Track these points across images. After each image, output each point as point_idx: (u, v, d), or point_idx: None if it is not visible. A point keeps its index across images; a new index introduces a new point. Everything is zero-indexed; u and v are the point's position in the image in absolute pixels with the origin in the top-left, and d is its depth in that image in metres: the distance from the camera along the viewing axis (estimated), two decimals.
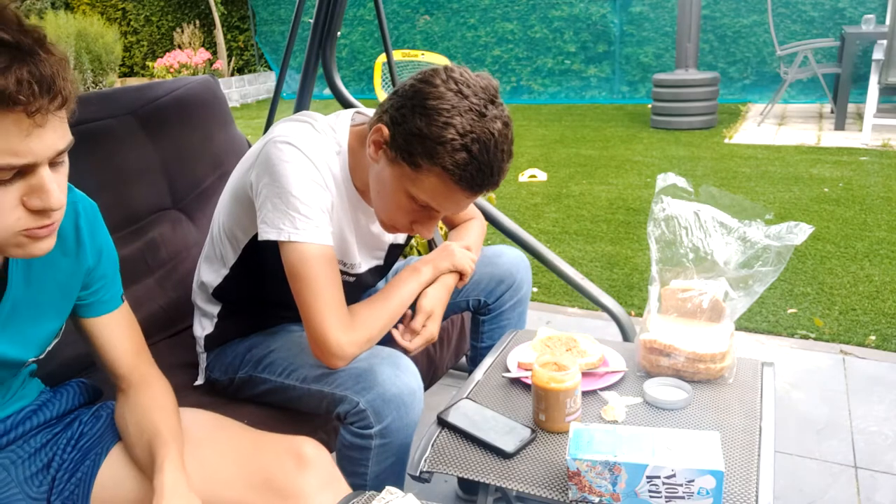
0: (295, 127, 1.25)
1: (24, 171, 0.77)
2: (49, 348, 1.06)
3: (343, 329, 1.20)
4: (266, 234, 1.20)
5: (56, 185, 0.79)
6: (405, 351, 1.34)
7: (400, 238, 1.50)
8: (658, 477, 0.95)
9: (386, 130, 1.18)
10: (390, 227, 1.30)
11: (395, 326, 1.37)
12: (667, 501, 0.96)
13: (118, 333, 1.10)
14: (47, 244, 0.84)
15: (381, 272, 1.51)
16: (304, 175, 1.20)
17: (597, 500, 0.99)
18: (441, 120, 1.11)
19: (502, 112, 1.17)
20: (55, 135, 0.78)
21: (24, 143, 0.74)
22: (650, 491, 0.96)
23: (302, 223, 1.18)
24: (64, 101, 0.77)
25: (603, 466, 0.97)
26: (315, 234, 1.20)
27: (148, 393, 1.08)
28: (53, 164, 0.80)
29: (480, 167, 1.14)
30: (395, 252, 1.50)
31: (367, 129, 1.26)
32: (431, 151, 1.13)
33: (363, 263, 1.43)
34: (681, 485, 0.94)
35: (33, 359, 1.03)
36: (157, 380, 1.12)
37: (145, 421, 1.03)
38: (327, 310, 1.20)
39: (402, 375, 1.24)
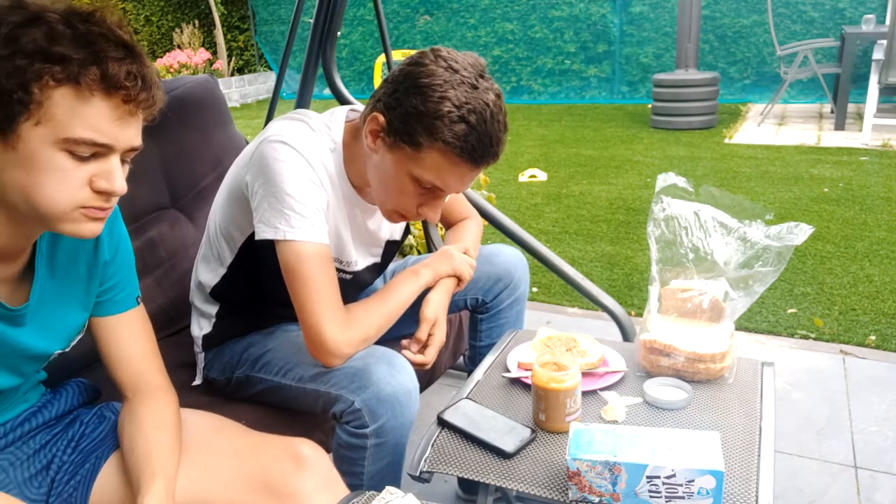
0: (289, 125, 1.25)
1: (99, 154, 0.85)
2: (74, 342, 1.07)
3: (339, 327, 1.20)
4: (262, 233, 1.21)
5: (121, 174, 0.88)
6: (423, 365, 1.34)
7: (396, 234, 1.50)
8: (658, 477, 0.95)
9: (382, 118, 1.19)
10: (397, 216, 1.30)
11: (399, 339, 1.38)
12: (667, 501, 0.96)
13: (127, 336, 1.10)
14: (97, 227, 0.90)
15: (378, 269, 1.51)
16: (298, 174, 1.20)
17: (597, 500, 0.99)
18: (436, 95, 1.12)
19: (493, 85, 1.18)
20: (135, 131, 0.88)
21: (112, 126, 0.84)
22: (650, 491, 0.96)
23: (297, 222, 1.19)
24: (153, 104, 0.87)
25: (603, 466, 0.97)
26: (310, 232, 1.20)
27: (149, 406, 1.07)
28: (122, 160, 0.89)
29: (480, 137, 1.14)
30: (391, 249, 1.50)
31: (360, 122, 1.26)
32: (430, 127, 1.13)
33: (360, 261, 1.43)
34: (681, 485, 0.94)
35: (59, 351, 1.05)
36: (162, 391, 1.10)
37: (140, 439, 1.02)
38: (323, 308, 1.20)
39: (398, 375, 1.24)
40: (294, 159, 1.20)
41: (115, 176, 0.87)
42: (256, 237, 1.23)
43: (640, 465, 0.95)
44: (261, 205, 1.21)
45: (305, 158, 1.21)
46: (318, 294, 1.20)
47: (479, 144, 1.15)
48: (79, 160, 0.84)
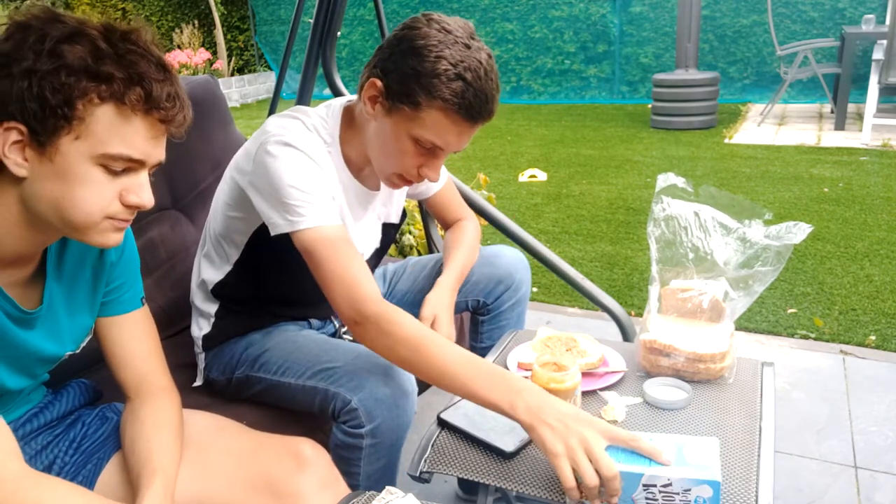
0: (286, 123, 1.27)
1: (130, 169, 0.89)
2: (83, 343, 1.08)
3: (377, 292, 1.16)
4: (275, 229, 1.21)
5: (149, 187, 0.92)
6: None
7: (393, 217, 1.52)
8: (654, 485, 0.94)
9: (379, 82, 1.21)
10: (398, 180, 1.30)
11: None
12: None
13: (131, 336, 1.11)
14: (121, 236, 0.93)
15: (379, 255, 1.53)
16: (298, 166, 1.21)
17: None
18: (432, 55, 1.15)
19: (483, 45, 1.21)
20: (163, 148, 0.92)
21: (146, 143, 0.88)
22: (647, 499, 0.95)
23: (305, 209, 1.19)
24: (184, 122, 0.91)
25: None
26: (320, 216, 1.19)
27: (151, 406, 1.07)
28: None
29: (476, 93, 1.17)
30: (389, 232, 1.53)
31: (357, 92, 1.28)
32: (429, 86, 1.16)
33: (365, 253, 1.45)
34: (677, 493, 0.94)
35: (70, 352, 1.06)
36: (165, 392, 1.10)
37: (140, 440, 1.02)
38: (354, 287, 1.16)
39: (396, 377, 1.24)
40: (292, 155, 1.22)
41: (145, 190, 0.90)
42: (272, 234, 1.23)
43: (636, 473, 0.95)
44: (267, 203, 1.22)
45: (304, 153, 1.23)
46: (342, 275, 1.16)
47: (476, 100, 1.17)
48: (111, 174, 0.87)
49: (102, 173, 0.86)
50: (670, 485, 0.93)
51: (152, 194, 0.92)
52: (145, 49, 0.86)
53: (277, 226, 1.21)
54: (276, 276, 1.33)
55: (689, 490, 0.93)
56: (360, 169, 1.36)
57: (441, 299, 1.44)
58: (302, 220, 1.19)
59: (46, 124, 0.82)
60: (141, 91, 0.84)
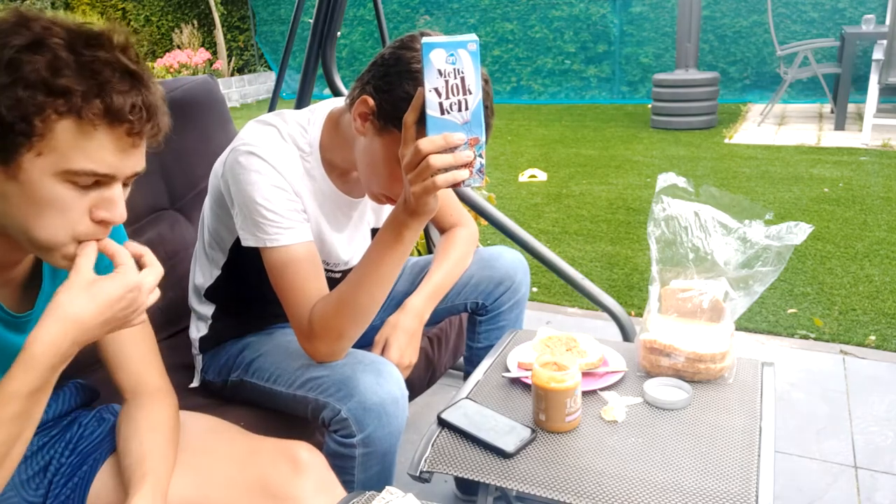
0: (260, 132, 1.26)
1: (101, 183, 0.84)
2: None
3: (315, 334, 1.24)
4: (245, 241, 1.25)
5: (122, 202, 0.87)
6: None
7: (383, 223, 1.50)
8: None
9: (371, 101, 1.17)
10: (383, 199, 1.29)
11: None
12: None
13: (127, 337, 1.09)
14: None
15: None
16: (267, 182, 1.21)
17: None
18: None
19: (482, 69, 1.18)
20: (137, 158, 0.86)
21: (113, 157, 0.82)
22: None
23: (272, 228, 1.21)
24: (157, 132, 0.86)
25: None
26: (287, 235, 1.22)
27: (147, 408, 1.07)
28: (124, 184, 0.88)
29: None
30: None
31: (346, 105, 1.25)
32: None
33: (351, 260, 1.43)
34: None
35: None
36: (161, 394, 1.10)
37: (134, 441, 1.02)
38: (303, 312, 1.23)
39: (385, 384, 1.22)
40: (262, 168, 1.21)
41: (116, 205, 0.85)
42: (242, 244, 1.26)
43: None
44: (238, 215, 1.25)
45: (273, 167, 1.22)
46: (297, 298, 1.23)
47: None
48: (80, 190, 0.83)
49: (69, 189, 0.82)
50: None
51: (125, 209, 0.87)
52: (113, 56, 0.81)
53: (246, 239, 1.25)
54: (264, 280, 1.32)
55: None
56: (346, 173, 1.33)
57: (399, 322, 1.41)
58: (267, 238, 1.22)
59: (6, 141, 0.78)
60: (100, 104, 0.79)
